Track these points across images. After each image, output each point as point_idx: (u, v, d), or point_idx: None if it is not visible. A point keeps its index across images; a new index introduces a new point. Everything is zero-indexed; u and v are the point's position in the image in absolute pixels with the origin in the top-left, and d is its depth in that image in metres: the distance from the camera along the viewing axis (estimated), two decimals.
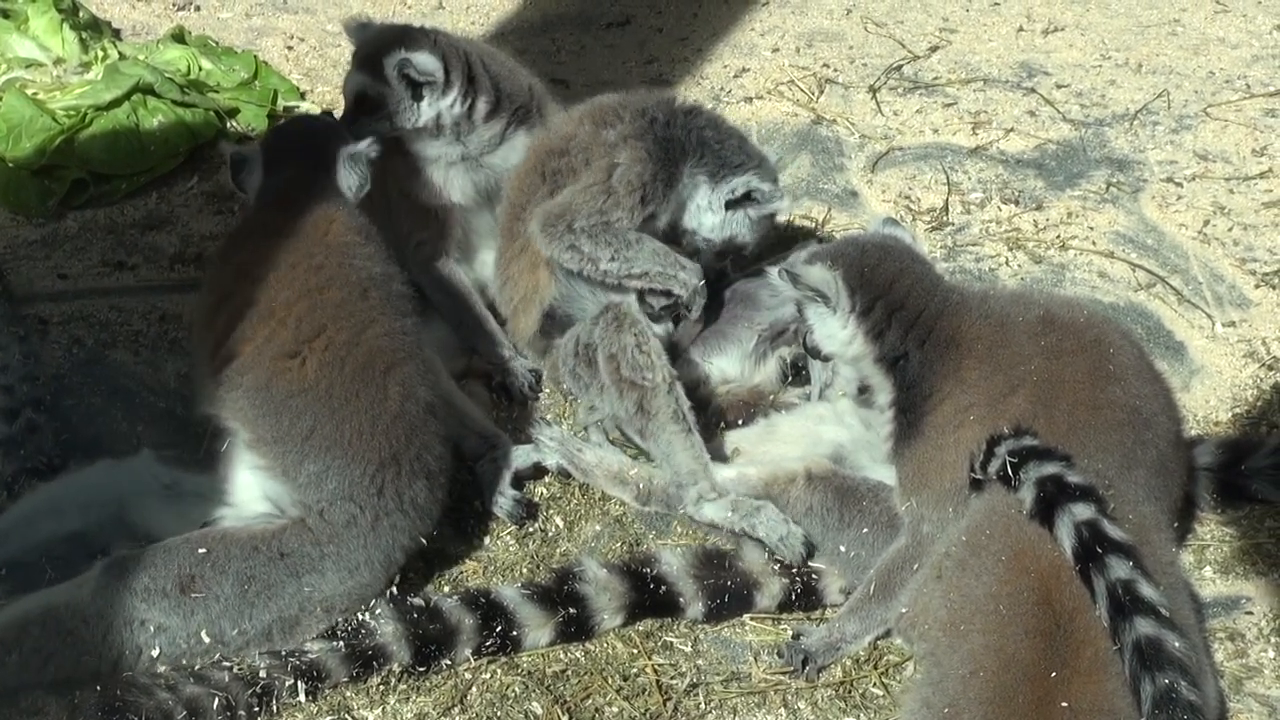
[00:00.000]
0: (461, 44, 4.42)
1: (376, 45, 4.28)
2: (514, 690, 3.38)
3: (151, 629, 3.27)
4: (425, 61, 4.19)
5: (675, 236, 4.23)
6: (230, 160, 3.92)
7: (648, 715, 3.36)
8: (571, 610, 3.51)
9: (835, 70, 6.20)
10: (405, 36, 4.32)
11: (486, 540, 3.84)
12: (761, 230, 4.27)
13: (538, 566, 3.74)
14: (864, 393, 3.72)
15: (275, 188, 3.83)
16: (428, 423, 3.59)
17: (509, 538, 3.84)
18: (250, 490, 3.55)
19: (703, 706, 3.39)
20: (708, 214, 4.18)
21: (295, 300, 3.54)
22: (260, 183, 3.87)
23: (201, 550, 3.33)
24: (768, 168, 4.23)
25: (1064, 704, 2.83)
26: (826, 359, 3.75)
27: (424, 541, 3.59)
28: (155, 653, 3.28)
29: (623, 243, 4.00)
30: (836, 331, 3.60)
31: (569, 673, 3.45)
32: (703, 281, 4.07)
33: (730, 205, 4.15)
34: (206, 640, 3.30)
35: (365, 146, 3.89)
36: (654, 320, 4.10)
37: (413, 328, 3.68)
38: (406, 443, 3.51)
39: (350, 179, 3.85)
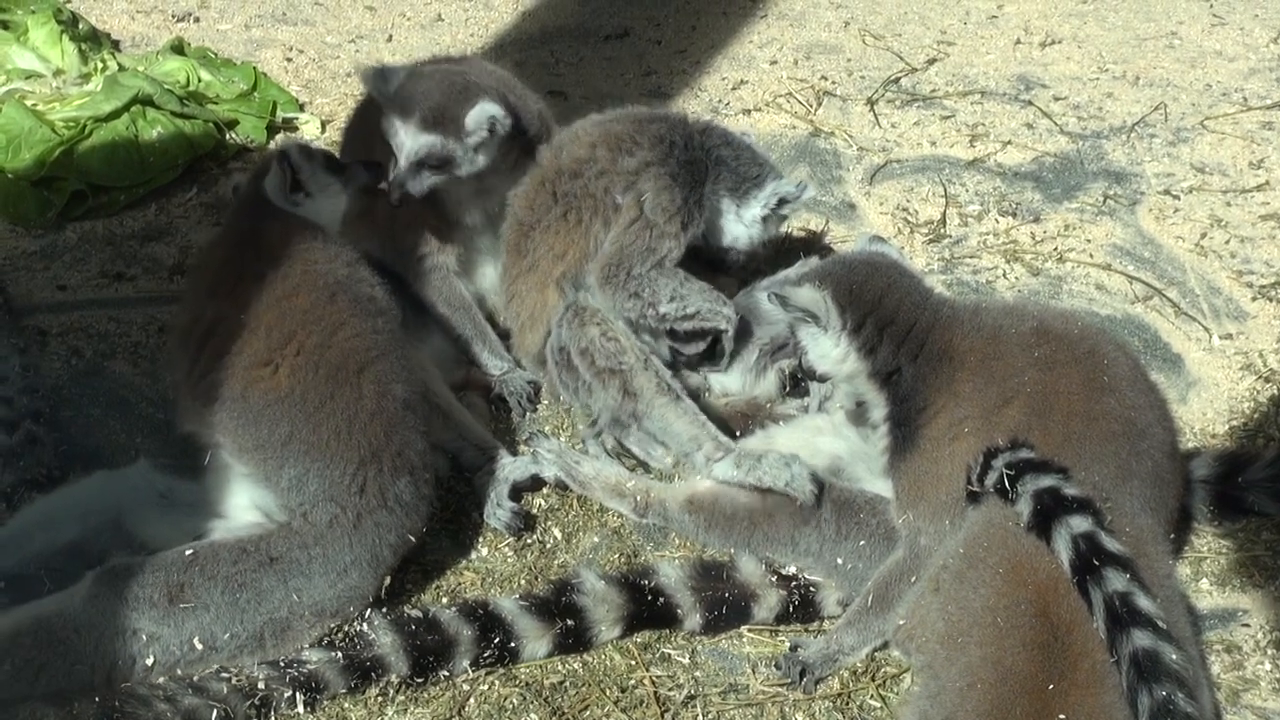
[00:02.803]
0: (490, 79, 4.29)
1: (439, 101, 4.07)
2: (512, 702, 3.38)
3: (144, 638, 3.27)
4: (501, 113, 4.08)
5: (710, 254, 4.30)
6: (234, 191, 4.08)
7: None
8: (569, 622, 3.51)
9: (833, 82, 6.22)
10: (466, 89, 4.12)
11: (485, 551, 3.84)
12: (781, 223, 4.42)
13: (536, 578, 3.74)
14: (860, 408, 3.73)
15: (238, 204, 3.90)
16: (406, 418, 3.59)
17: (507, 549, 3.84)
18: (239, 499, 3.58)
19: (700, 718, 3.38)
20: (739, 227, 4.27)
21: (264, 309, 3.56)
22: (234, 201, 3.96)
23: (190, 559, 3.34)
24: (776, 167, 4.32)
25: (1061, 716, 2.83)
26: (822, 380, 3.76)
27: (413, 540, 3.59)
28: (149, 661, 3.28)
29: (678, 281, 4.05)
30: (829, 350, 3.60)
31: (567, 684, 3.45)
32: (739, 317, 4.14)
33: (764, 218, 4.25)
34: (199, 647, 3.31)
35: (294, 148, 3.86)
36: (688, 368, 4.21)
37: (384, 326, 3.68)
38: (386, 440, 3.52)
39: (272, 181, 3.81)
